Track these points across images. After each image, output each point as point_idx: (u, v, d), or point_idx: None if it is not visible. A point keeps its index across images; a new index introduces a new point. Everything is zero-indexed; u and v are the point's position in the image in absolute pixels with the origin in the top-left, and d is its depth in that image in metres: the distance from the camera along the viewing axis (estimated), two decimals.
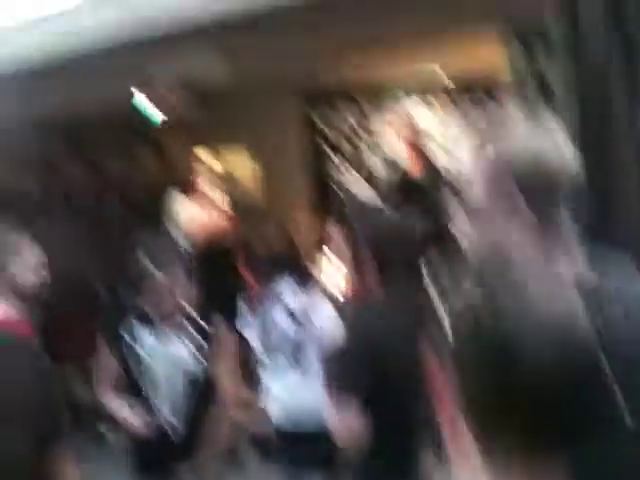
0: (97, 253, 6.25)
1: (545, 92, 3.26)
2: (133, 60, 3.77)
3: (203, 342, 2.83)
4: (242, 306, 3.58)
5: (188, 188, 6.09)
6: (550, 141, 1.26)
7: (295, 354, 3.26)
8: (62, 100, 4.34)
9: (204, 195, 5.60)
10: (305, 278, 3.39)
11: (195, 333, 2.84)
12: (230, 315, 4.87)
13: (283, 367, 3.27)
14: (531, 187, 1.22)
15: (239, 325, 3.50)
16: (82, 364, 5.91)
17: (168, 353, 2.79)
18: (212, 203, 5.55)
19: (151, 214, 6.55)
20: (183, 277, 2.81)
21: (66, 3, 3.62)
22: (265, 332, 3.36)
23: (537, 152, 1.24)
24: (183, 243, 5.99)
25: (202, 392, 2.78)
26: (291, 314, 3.28)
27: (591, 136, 2.67)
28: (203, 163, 6.46)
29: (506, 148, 1.27)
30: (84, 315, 5.84)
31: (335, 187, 6.87)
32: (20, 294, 2.56)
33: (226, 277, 5.17)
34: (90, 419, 4.92)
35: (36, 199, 6.30)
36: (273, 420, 3.27)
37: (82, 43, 3.65)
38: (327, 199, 6.88)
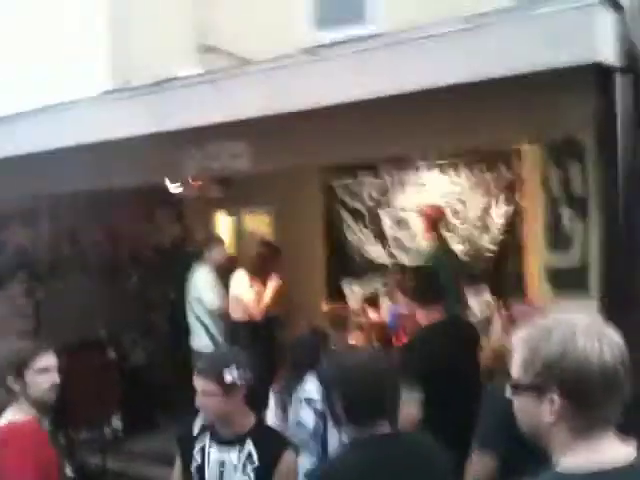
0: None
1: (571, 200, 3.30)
2: (164, 149, 3.86)
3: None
4: (272, 397, 3.54)
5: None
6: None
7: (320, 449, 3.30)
8: (92, 176, 4.42)
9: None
10: None
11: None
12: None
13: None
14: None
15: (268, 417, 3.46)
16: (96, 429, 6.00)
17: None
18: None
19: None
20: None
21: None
22: (291, 427, 3.37)
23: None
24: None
25: None
26: (317, 410, 3.29)
27: (615, 244, 2.72)
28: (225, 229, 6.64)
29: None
30: (99, 379, 5.90)
31: (353, 253, 6.93)
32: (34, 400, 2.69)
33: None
34: None
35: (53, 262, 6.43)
36: None
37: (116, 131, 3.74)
38: (344, 263, 6.97)
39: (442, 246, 5.10)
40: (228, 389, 2.44)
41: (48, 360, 2.78)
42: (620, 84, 2.73)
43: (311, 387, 3.37)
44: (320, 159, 4.43)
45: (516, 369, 1.43)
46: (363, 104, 2.97)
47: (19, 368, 2.71)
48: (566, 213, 3.21)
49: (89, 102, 3.93)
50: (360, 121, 3.21)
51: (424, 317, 3.45)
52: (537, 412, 1.39)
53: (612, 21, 2.62)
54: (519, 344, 1.44)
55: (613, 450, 1.34)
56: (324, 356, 3.32)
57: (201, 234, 7.42)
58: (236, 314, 5.94)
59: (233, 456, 2.48)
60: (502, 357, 3.11)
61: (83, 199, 6.46)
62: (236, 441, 2.49)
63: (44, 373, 2.73)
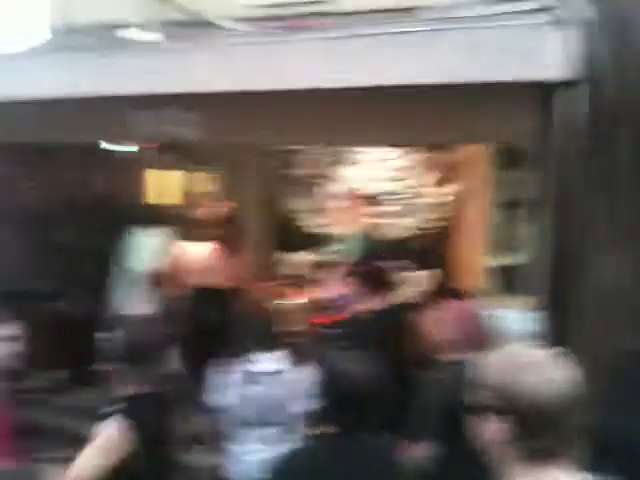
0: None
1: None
2: (113, 111, 3.82)
3: None
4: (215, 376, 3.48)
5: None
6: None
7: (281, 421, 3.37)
8: (35, 130, 4.34)
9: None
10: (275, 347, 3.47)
11: None
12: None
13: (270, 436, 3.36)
14: None
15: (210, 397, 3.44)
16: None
17: None
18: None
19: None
20: None
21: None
22: (245, 405, 3.39)
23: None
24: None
25: None
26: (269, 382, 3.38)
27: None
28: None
29: None
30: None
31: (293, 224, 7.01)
32: None
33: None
34: None
35: None
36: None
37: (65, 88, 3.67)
38: (285, 234, 7.04)
39: (372, 230, 5.18)
40: None
41: (11, 329, 2.78)
42: (563, 99, 2.86)
43: (261, 364, 3.42)
44: (269, 141, 4.44)
45: (475, 390, 1.51)
46: (318, 92, 3.01)
47: None
48: (505, 215, 3.35)
49: (41, 55, 3.82)
50: (313, 109, 3.26)
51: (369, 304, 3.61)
52: (487, 432, 1.49)
53: (560, 39, 2.73)
54: (481, 367, 1.51)
55: (561, 477, 1.42)
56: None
57: (137, 189, 7.31)
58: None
59: None
60: (434, 348, 3.24)
61: (23, 150, 6.29)
62: None
63: (7, 341, 2.75)
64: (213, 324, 5.00)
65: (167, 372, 3.31)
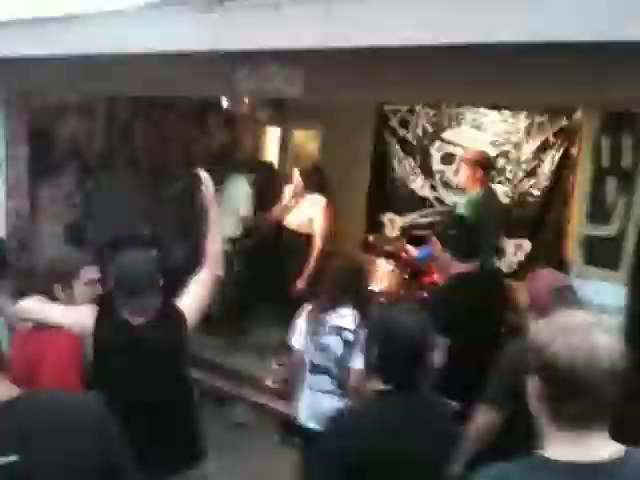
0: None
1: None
2: (219, 66, 3.88)
3: None
4: (298, 322, 3.58)
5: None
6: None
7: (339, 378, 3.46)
8: (147, 82, 4.49)
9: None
10: (364, 308, 3.48)
11: None
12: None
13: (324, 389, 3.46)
14: None
15: (293, 339, 3.56)
16: None
17: None
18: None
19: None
20: None
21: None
22: (316, 354, 3.49)
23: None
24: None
25: None
26: (346, 340, 3.43)
27: None
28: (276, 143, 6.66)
29: None
30: None
31: (397, 184, 6.93)
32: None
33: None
34: None
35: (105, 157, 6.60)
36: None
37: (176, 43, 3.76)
38: (387, 193, 6.99)
39: (487, 194, 5.01)
40: None
41: (93, 272, 2.93)
42: None
43: (345, 316, 3.46)
44: (374, 98, 4.37)
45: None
46: (423, 49, 2.92)
47: (68, 278, 2.84)
48: (611, 183, 3.19)
49: (151, 9, 3.93)
50: (419, 66, 3.17)
51: (458, 269, 3.53)
52: (531, 390, 1.52)
53: None
54: (535, 329, 1.54)
55: (595, 447, 1.42)
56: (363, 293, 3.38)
57: (248, 147, 7.52)
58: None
59: None
60: (524, 316, 3.19)
61: (138, 100, 6.59)
62: None
63: (90, 285, 2.89)
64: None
65: None
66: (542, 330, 1.48)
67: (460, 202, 5.36)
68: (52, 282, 2.86)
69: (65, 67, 4.46)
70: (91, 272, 2.92)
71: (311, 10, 3.33)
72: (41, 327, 2.74)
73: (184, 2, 3.67)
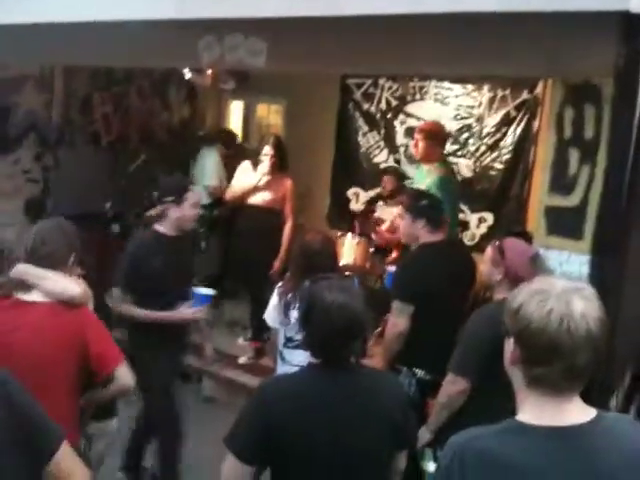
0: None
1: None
2: (182, 36, 3.81)
3: None
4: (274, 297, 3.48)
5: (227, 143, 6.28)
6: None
7: None
8: (106, 51, 4.38)
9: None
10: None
11: None
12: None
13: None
14: None
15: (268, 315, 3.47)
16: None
17: None
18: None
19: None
20: None
21: None
22: (289, 328, 3.39)
23: None
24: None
25: None
26: None
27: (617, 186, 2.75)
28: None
29: None
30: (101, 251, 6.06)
31: (361, 157, 6.93)
32: None
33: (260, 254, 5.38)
34: None
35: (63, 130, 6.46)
36: None
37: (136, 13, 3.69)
38: (351, 167, 6.99)
39: (445, 169, 5.00)
40: None
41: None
42: None
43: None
44: (339, 69, 4.34)
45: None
46: (389, 19, 2.91)
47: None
48: (574, 154, 3.23)
49: None
50: (383, 36, 3.15)
51: (427, 239, 3.58)
52: (506, 353, 1.52)
53: None
54: (511, 295, 1.54)
55: (568, 410, 1.44)
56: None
57: (212, 119, 7.43)
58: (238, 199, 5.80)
59: None
60: (487, 287, 3.24)
61: (97, 73, 6.44)
62: None
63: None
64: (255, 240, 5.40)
65: None
66: (519, 293, 1.48)
67: (417, 175, 5.38)
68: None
69: (22, 36, 4.33)
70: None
71: None
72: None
73: None
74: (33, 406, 1.67)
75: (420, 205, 3.63)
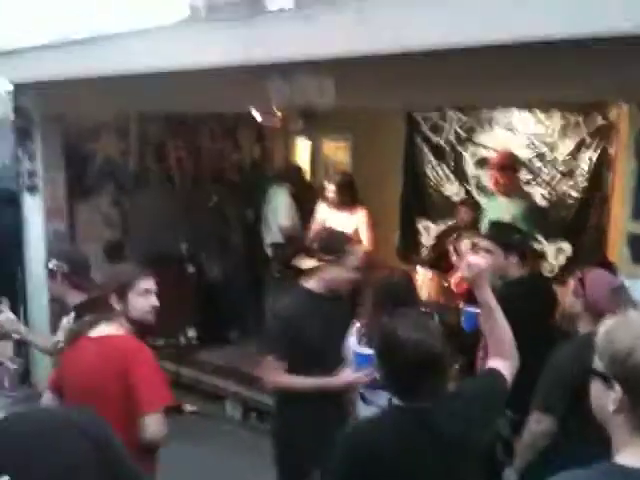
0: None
1: None
2: (251, 79, 3.90)
3: None
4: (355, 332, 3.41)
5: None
6: None
7: None
8: (178, 98, 4.53)
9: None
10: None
11: None
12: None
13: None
14: None
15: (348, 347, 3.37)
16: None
17: None
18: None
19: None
20: None
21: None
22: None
23: None
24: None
25: None
26: None
27: None
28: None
29: None
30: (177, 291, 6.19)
31: (430, 190, 6.87)
32: (132, 320, 2.86)
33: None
34: None
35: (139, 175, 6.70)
36: None
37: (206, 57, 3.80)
38: (420, 200, 6.94)
39: (523, 200, 4.91)
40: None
41: (149, 283, 2.90)
42: None
43: None
44: (406, 103, 4.34)
45: (595, 355, 1.47)
46: (453, 52, 2.90)
47: (123, 288, 2.84)
48: None
49: (182, 26, 3.96)
50: (449, 68, 3.14)
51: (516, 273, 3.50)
52: (603, 399, 1.44)
53: None
54: (600, 332, 1.47)
55: None
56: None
57: (280, 159, 7.55)
58: None
59: None
60: (571, 320, 3.11)
61: (170, 118, 6.67)
62: None
63: (145, 295, 2.87)
64: None
65: None
66: (623, 336, 1.41)
67: (492, 206, 5.29)
68: (108, 292, 2.87)
69: (97, 86, 4.53)
70: (147, 282, 2.91)
71: (342, 17, 3.33)
72: None
73: (219, 14, 3.69)
74: (122, 447, 1.68)
75: (513, 239, 3.57)
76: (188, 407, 5.53)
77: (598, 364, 1.44)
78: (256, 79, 3.90)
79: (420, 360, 2.02)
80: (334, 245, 3.31)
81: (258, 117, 5.02)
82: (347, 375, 3.21)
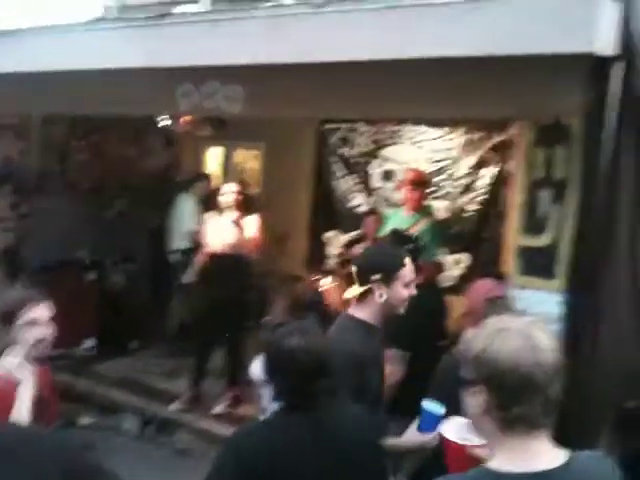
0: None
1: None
2: (159, 84, 3.86)
3: None
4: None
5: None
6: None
7: None
8: (84, 100, 4.42)
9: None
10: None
11: None
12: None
13: None
14: None
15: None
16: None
17: None
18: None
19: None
20: None
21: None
22: None
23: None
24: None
25: None
26: None
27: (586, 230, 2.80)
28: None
29: None
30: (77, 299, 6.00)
31: (337, 201, 6.98)
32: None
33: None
34: None
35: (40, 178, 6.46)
36: None
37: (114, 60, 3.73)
38: (327, 210, 7.03)
39: (428, 217, 5.12)
40: None
41: (38, 312, 2.53)
42: (614, 74, 2.76)
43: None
44: (315, 113, 4.40)
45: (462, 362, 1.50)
46: (364, 64, 2.98)
47: (9, 317, 2.49)
48: (545, 194, 3.30)
49: (88, 27, 3.89)
50: (359, 81, 3.23)
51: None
52: (473, 404, 1.46)
53: (613, 11, 2.63)
54: (464, 340, 1.52)
55: (542, 452, 1.40)
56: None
57: (189, 166, 7.47)
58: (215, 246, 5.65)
59: None
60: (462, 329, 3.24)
61: (75, 121, 6.47)
62: None
63: (32, 326, 2.49)
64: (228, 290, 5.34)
65: None
66: (477, 337, 1.44)
67: (396, 218, 5.44)
68: None
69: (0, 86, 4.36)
70: (35, 311, 2.51)
71: (252, 27, 3.36)
72: None
73: (124, 18, 3.64)
74: None
75: (406, 249, 3.67)
76: (83, 420, 5.34)
77: (464, 371, 1.47)
78: (165, 83, 3.87)
79: (309, 365, 2.07)
80: (380, 262, 2.62)
81: (164, 121, 4.97)
82: (416, 436, 2.49)
